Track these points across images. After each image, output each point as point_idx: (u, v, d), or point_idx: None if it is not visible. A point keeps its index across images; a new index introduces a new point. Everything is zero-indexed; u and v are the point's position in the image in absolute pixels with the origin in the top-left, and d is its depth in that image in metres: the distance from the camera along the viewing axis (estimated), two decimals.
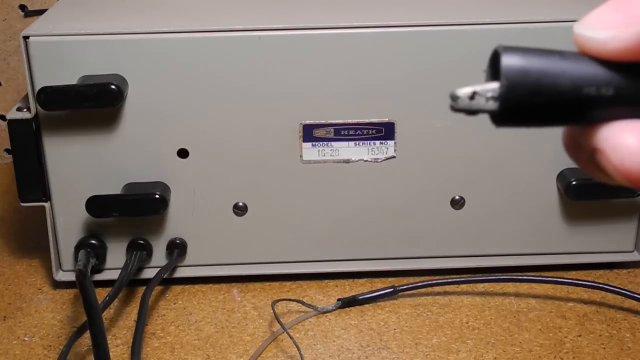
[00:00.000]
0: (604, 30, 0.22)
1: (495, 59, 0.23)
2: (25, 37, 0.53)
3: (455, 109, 0.23)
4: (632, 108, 0.22)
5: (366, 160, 0.58)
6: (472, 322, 0.56)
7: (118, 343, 0.54)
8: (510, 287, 0.60)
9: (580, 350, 0.53)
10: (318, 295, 0.60)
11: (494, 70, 0.23)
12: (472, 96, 0.23)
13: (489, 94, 0.23)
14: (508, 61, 0.22)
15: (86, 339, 0.52)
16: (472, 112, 0.23)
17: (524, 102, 0.22)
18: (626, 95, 0.22)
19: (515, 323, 0.56)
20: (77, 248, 0.58)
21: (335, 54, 0.55)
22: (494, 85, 0.23)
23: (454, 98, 0.23)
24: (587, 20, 0.23)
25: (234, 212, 0.59)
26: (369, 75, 0.55)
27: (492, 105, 0.23)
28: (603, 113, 0.22)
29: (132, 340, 0.51)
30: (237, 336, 0.55)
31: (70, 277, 0.59)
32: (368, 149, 0.57)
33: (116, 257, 0.59)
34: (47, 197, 0.57)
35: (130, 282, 0.57)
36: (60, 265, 0.60)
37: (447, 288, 0.60)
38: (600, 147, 0.23)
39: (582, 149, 0.24)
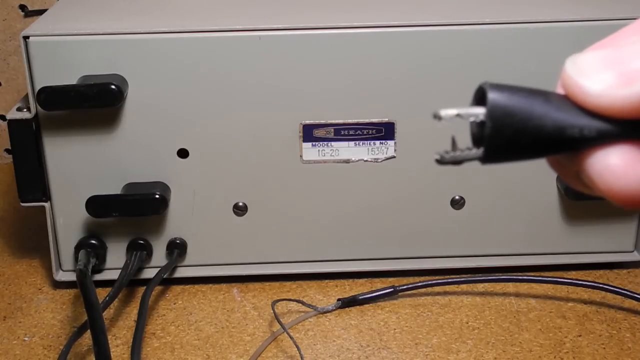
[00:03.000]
0: (596, 83, 0.22)
1: (480, 94, 0.23)
2: (25, 37, 0.53)
3: (442, 163, 0.24)
4: (614, 140, 0.22)
5: (366, 160, 0.58)
6: (472, 322, 0.56)
7: (118, 343, 0.54)
8: (510, 287, 0.60)
9: (580, 350, 0.53)
10: (318, 295, 0.60)
11: (478, 103, 0.23)
12: (455, 146, 0.23)
13: (472, 118, 0.23)
14: (494, 100, 0.22)
15: (86, 339, 0.52)
16: (457, 162, 0.23)
17: (508, 143, 0.23)
18: (609, 136, 0.22)
19: (515, 323, 0.56)
20: (77, 248, 0.58)
21: (335, 54, 0.55)
22: (479, 110, 0.23)
23: (438, 117, 0.23)
24: (581, 64, 0.23)
25: (234, 212, 0.59)
26: (369, 75, 0.55)
27: (477, 153, 0.23)
28: (587, 146, 0.23)
29: (132, 340, 0.51)
30: (237, 336, 0.55)
31: (70, 277, 0.59)
32: (368, 149, 0.57)
33: (116, 257, 0.59)
34: (47, 197, 0.57)
35: (130, 282, 0.57)
36: (60, 265, 0.60)
37: (447, 288, 0.60)
38: (585, 171, 0.23)
39: (566, 168, 0.24)
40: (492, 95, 0.22)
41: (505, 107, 0.22)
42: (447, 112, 0.23)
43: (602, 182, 0.22)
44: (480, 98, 0.23)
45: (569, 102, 0.23)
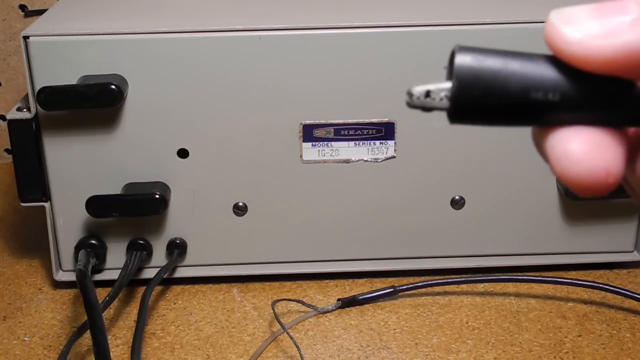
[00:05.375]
0: (576, 31, 0.22)
1: (452, 58, 0.23)
2: (25, 37, 0.53)
3: (411, 105, 0.24)
4: (578, 115, 0.23)
5: (366, 160, 0.58)
6: (472, 322, 0.56)
7: (118, 343, 0.54)
8: (510, 287, 0.60)
9: (580, 350, 0.53)
10: (318, 295, 0.60)
11: (451, 69, 0.23)
12: (427, 94, 0.23)
13: (442, 93, 0.23)
14: (461, 62, 0.23)
15: (86, 339, 0.52)
16: (426, 109, 0.24)
17: (474, 103, 0.23)
18: (572, 102, 0.22)
19: (515, 323, 0.56)
20: (77, 248, 0.58)
21: (335, 54, 0.55)
22: (447, 85, 0.23)
23: (410, 95, 0.24)
24: (566, 13, 0.22)
25: (234, 212, 0.59)
26: (369, 75, 0.55)
27: (445, 104, 0.23)
28: (552, 118, 0.23)
29: (132, 340, 0.51)
30: (237, 336, 0.55)
31: (70, 277, 0.59)
32: (368, 149, 0.57)
33: (116, 257, 0.59)
34: (47, 197, 0.57)
35: (130, 282, 0.57)
36: (60, 265, 0.60)
37: (447, 288, 0.60)
38: (547, 154, 0.23)
39: (540, 147, 0.24)
40: (460, 57, 0.23)
41: (472, 67, 0.23)
42: (419, 88, 0.23)
43: (558, 167, 0.22)
44: (452, 61, 0.23)
45: (538, 61, 0.23)
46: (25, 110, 0.55)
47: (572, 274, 0.61)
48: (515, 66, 0.23)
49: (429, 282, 0.59)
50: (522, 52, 0.23)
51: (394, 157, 0.58)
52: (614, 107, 0.23)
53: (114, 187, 0.57)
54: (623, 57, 0.21)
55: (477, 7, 0.58)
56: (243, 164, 0.57)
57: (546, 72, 0.23)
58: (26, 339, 0.55)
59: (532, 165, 0.58)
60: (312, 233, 0.60)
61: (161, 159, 0.57)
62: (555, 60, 0.23)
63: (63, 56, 0.54)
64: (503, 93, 0.23)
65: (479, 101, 0.23)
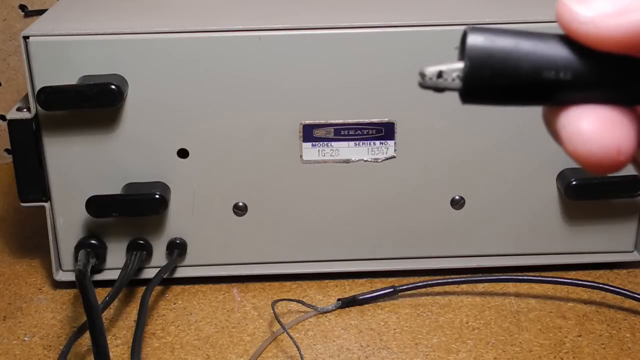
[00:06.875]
0: (588, 10, 0.22)
1: (464, 38, 0.23)
2: (25, 37, 0.53)
3: (423, 86, 0.24)
4: (590, 93, 0.23)
5: (366, 160, 0.58)
6: (472, 322, 0.56)
7: (118, 343, 0.54)
8: (510, 287, 0.60)
9: (580, 350, 0.53)
10: (318, 295, 0.60)
11: (462, 49, 0.23)
12: (440, 75, 0.23)
13: (455, 74, 0.23)
14: (473, 42, 0.23)
15: (86, 339, 0.52)
16: (438, 89, 0.24)
17: (486, 83, 0.23)
18: (583, 81, 0.23)
19: (515, 323, 0.56)
20: (77, 248, 0.58)
21: (335, 54, 0.55)
22: (459, 65, 0.23)
23: (422, 76, 0.24)
24: None
25: (234, 212, 0.59)
26: (369, 76, 0.55)
27: (457, 84, 0.23)
28: (564, 97, 0.23)
29: (132, 340, 0.51)
30: (237, 336, 0.55)
31: (70, 277, 0.59)
32: (368, 149, 0.57)
33: (116, 257, 0.59)
34: (47, 197, 0.57)
35: (130, 282, 0.57)
36: (60, 265, 0.60)
37: (447, 288, 0.60)
38: (558, 133, 0.23)
39: (552, 126, 0.24)
40: (472, 37, 0.23)
41: (484, 48, 0.23)
42: (431, 69, 0.23)
43: (570, 145, 0.22)
44: (463, 42, 0.23)
45: (550, 40, 0.23)
46: (25, 110, 0.55)
47: (572, 274, 0.61)
48: (526, 46, 0.23)
49: (429, 282, 0.59)
50: (533, 32, 0.23)
51: (394, 157, 0.58)
52: (626, 86, 0.23)
53: (114, 187, 0.57)
54: (635, 36, 0.21)
55: (476, 7, 0.58)
56: (243, 164, 0.57)
57: (558, 52, 0.23)
58: (26, 339, 0.55)
59: (532, 165, 0.58)
60: (312, 233, 0.60)
61: (161, 159, 0.57)
62: (567, 40, 0.23)
63: (63, 56, 0.54)
64: (515, 73, 0.23)
65: (491, 81, 0.23)
